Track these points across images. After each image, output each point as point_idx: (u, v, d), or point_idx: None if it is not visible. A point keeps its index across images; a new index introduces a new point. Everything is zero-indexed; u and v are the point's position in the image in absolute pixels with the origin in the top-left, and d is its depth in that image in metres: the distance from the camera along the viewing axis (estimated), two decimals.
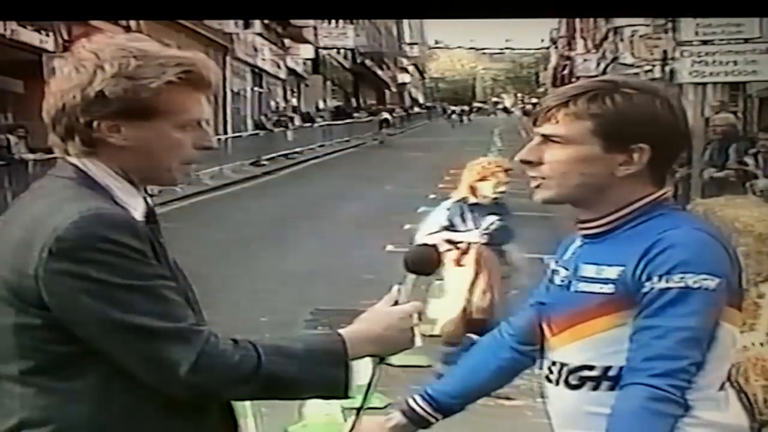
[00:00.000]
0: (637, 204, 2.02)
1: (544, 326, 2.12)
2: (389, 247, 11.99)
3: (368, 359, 1.97)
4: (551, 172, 2.02)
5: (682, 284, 1.88)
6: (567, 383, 2.04)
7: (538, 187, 2.05)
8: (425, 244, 2.14)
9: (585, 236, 2.08)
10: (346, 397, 1.85)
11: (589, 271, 2.01)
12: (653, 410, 1.86)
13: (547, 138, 2.03)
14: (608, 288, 1.96)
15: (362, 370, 2.00)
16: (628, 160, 1.99)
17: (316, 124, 36.25)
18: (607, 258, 1.99)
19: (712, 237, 1.96)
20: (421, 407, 2.28)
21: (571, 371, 2.03)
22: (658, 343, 1.88)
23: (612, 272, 1.96)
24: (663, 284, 1.89)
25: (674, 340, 1.87)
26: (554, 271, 2.13)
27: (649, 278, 1.91)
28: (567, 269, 2.07)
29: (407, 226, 14.39)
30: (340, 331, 1.89)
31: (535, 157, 2.05)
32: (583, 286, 2.01)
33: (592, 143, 1.99)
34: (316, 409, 4.99)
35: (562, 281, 2.07)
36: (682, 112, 2.06)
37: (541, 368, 2.15)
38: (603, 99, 1.99)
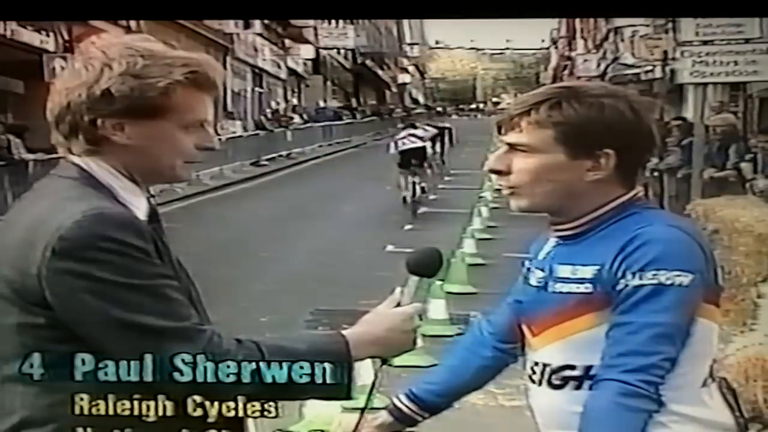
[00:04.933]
0: (609, 206, 2.03)
1: (524, 327, 2.13)
2: (389, 247, 12.00)
3: (370, 361, 1.98)
4: (520, 181, 2.03)
5: (655, 281, 1.91)
6: (550, 383, 2.05)
7: (511, 196, 2.07)
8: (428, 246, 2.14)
9: (559, 237, 2.09)
10: (348, 398, 1.85)
11: (564, 271, 2.02)
12: (625, 405, 1.89)
13: (512, 146, 2.04)
14: (585, 287, 1.98)
15: (364, 371, 2.00)
16: (596, 166, 2.00)
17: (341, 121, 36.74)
18: (582, 258, 2.00)
19: (685, 233, 1.98)
20: (406, 406, 2.29)
21: (554, 371, 2.04)
22: (630, 339, 1.91)
23: (588, 272, 1.98)
24: (637, 281, 1.92)
25: (646, 336, 1.90)
26: (529, 272, 2.14)
27: (623, 275, 1.93)
28: (543, 270, 2.08)
29: (407, 227, 14.45)
30: (343, 332, 1.90)
31: (503, 166, 2.05)
32: (560, 287, 2.02)
33: (556, 151, 2.00)
34: (316, 408, 5.00)
35: (539, 282, 2.08)
36: (647, 114, 2.06)
37: (524, 368, 2.16)
38: (564, 106, 1.99)
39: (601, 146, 1.99)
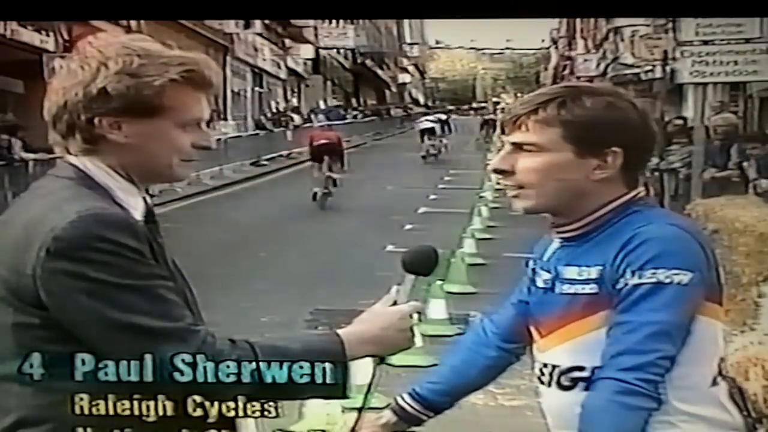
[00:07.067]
0: (612, 205, 2.03)
1: (532, 328, 2.14)
2: (389, 247, 11.99)
3: (368, 359, 1.97)
4: (527, 180, 2.03)
5: (653, 279, 1.91)
6: (559, 385, 2.05)
7: (516, 197, 2.06)
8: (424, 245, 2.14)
9: (562, 239, 2.09)
10: (345, 397, 1.85)
11: (570, 272, 2.02)
12: (621, 403, 1.89)
13: (518, 146, 2.03)
14: (591, 288, 1.98)
15: (362, 370, 2.00)
16: (603, 164, 2.01)
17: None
18: (587, 259, 2.00)
19: (685, 231, 1.98)
20: (410, 406, 2.30)
21: (563, 373, 2.05)
22: (627, 338, 1.91)
23: (593, 272, 1.98)
24: (636, 280, 1.92)
25: (643, 335, 1.90)
26: (534, 273, 2.14)
27: (623, 274, 1.93)
28: (548, 272, 2.08)
29: (407, 226, 14.45)
30: (339, 331, 1.90)
31: (508, 165, 2.05)
32: (567, 288, 2.02)
33: (564, 149, 2.00)
34: (316, 408, 5.00)
35: (545, 284, 2.09)
36: (647, 114, 2.08)
37: (532, 369, 2.16)
38: (572, 104, 2.00)
39: (608, 144, 2.00)
